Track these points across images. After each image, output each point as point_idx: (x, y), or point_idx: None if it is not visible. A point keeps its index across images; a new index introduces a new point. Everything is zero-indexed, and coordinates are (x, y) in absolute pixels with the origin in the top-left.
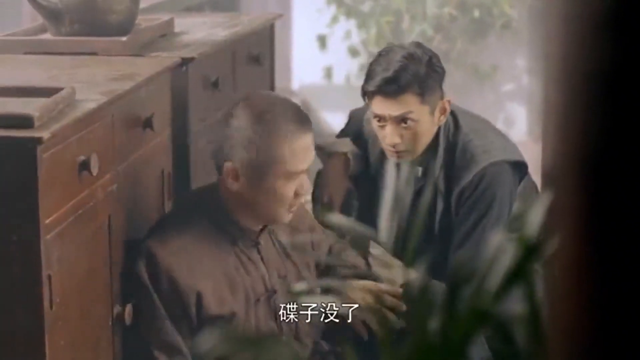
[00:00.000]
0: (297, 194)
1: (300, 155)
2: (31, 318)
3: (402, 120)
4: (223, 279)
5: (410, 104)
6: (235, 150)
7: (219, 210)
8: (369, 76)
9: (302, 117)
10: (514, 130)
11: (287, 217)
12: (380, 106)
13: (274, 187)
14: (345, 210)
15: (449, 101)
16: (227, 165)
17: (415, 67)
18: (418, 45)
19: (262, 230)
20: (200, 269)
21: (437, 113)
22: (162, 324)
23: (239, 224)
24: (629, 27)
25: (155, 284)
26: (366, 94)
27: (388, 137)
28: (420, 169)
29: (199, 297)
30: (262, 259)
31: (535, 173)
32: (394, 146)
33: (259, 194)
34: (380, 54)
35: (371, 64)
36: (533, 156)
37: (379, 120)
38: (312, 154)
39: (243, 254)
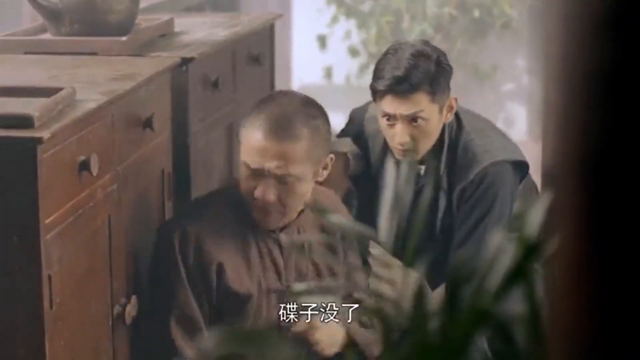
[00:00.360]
0: (256, 197)
1: (253, 152)
2: (31, 318)
3: (412, 119)
4: (242, 260)
5: (421, 103)
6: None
7: (240, 205)
8: (377, 75)
9: (285, 123)
10: (514, 130)
11: (266, 220)
12: (391, 105)
13: (242, 173)
14: None
15: (455, 99)
16: None
17: (426, 65)
18: (426, 42)
19: (282, 228)
20: (224, 246)
21: (444, 111)
22: (186, 297)
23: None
24: (629, 27)
25: (184, 257)
26: (376, 92)
27: (398, 136)
28: (422, 168)
29: (220, 267)
30: (282, 254)
31: (535, 173)
32: (403, 145)
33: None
34: (388, 52)
35: (379, 62)
36: (533, 156)
37: (388, 119)
38: (269, 160)
39: (264, 245)
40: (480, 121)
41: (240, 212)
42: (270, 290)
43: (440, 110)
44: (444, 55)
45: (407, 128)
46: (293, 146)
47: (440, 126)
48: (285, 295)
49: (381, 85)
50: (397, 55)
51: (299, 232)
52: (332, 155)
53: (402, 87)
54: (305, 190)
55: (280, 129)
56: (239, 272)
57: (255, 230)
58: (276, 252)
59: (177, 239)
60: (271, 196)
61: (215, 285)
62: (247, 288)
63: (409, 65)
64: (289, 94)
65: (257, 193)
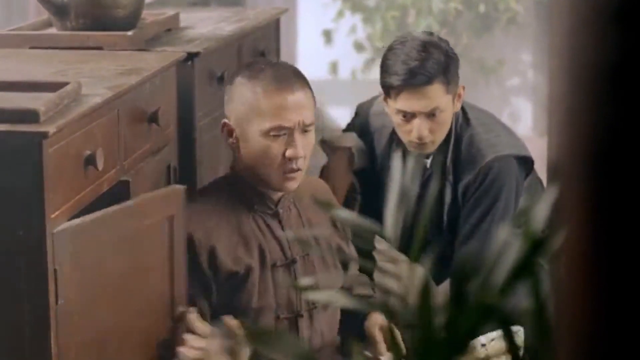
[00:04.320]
0: (286, 156)
1: (282, 111)
2: (37, 313)
3: (431, 113)
4: (238, 239)
5: (438, 96)
6: (229, 106)
7: (236, 176)
8: (389, 71)
9: (288, 77)
10: (519, 125)
11: (286, 184)
12: (408, 103)
13: (259, 143)
14: (348, 204)
15: (463, 87)
16: (222, 122)
17: (437, 54)
18: (430, 34)
19: (280, 199)
20: (217, 230)
21: (455, 100)
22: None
23: (255, 189)
24: (635, 21)
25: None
26: (390, 89)
27: (415, 131)
28: (428, 161)
29: (212, 251)
30: (282, 227)
31: (540, 168)
32: (421, 139)
33: (248, 150)
34: (394, 47)
35: (387, 58)
36: (538, 151)
37: (404, 116)
38: (300, 114)
39: (260, 219)
40: (485, 116)
41: (235, 193)
42: (275, 264)
43: (453, 100)
44: (448, 44)
45: (425, 122)
46: (308, 94)
47: (452, 115)
48: (292, 266)
49: (396, 81)
50: (406, 49)
51: (295, 206)
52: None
53: (418, 79)
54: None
55: (294, 81)
56: (236, 254)
57: (251, 200)
58: (275, 225)
59: None
60: (302, 151)
61: (212, 272)
62: (245, 265)
63: (420, 57)
64: (268, 61)
65: (290, 152)
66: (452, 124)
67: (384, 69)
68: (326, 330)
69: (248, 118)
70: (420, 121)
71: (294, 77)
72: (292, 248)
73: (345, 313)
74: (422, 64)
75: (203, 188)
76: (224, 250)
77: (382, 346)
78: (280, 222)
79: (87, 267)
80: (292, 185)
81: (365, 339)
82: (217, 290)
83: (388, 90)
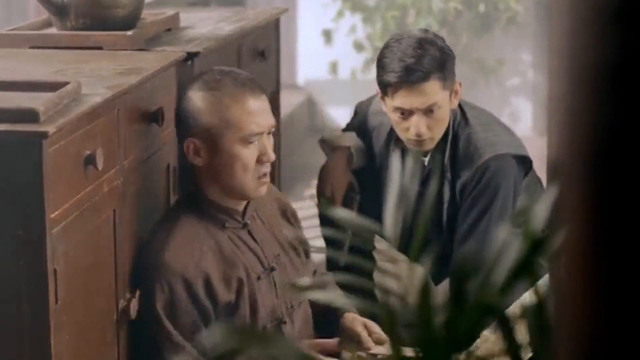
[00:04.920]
0: (260, 161)
1: (254, 117)
2: (37, 312)
3: (429, 109)
4: (223, 261)
5: (435, 92)
6: (191, 123)
7: (200, 197)
8: (385, 68)
9: (252, 83)
10: (519, 125)
11: (259, 189)
12: (406, 100)
13: (233, 153)
14: (346, 203)
15: (460, 83)
16: (186, 142)
17: (433, 51)
18: (426, 31)
19: (245, 209)
20: (204, 259)
21: (452, 97)
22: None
23: (220, 206)
24: (635, 20)
25: (173, 319)
26: (387, 87)
27: (413, 128)
28: (426, 159)
29: (208, 283)
30: (254, 239)
31: (540, 168)
32: (419, 136)
33: (221, 162)
34: (390, 45)
35: (383, 56)
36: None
37: (402, 113)
38: (268, 117)
39: (235, 236)
40: (484, 115)
41: (199, 204)
42: (260, 277)
43: (450, 96)
44: (444, 40)
45: (423, 119)
46: (265, 97)
47: (449, 112)
48: (270, 277)
49: (392, 78)
50: (402, 46)
51: (256, 214)
52: None
53: (414, 76)
54: None
55: (254, 86)
56: (225, 275)
57: (221, 219)
58: (247, 238)
59: (161, 306)
60: (273, 154)
61: (210, 302)
62: (235, 287)
63: (416, 53)
64: (218, 70)
65: (265, 157)
66: (450, 121)
67: (381, 67)
68: (303, 327)
69: (219, 130)
70: (418, 118)
71: (252, 82)
72: (267, 256)
73: (318, 312)
74: (418, 60)
75: (169, 215)
76: (216, 278)
77: (369, 340)
78: (250, 233)
79: (86, 266)
80: (264, 189)
81: (341, 335)
82: (216, 319)
83: (385, 88)
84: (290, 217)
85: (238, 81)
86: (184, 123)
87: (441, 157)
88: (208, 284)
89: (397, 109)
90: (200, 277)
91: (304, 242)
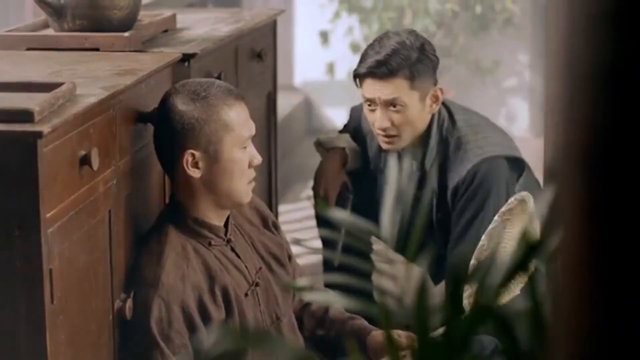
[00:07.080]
0: (251, 165)
1: (246, 121)
2: (32, 312)
3: (391, 103)
4: (213, 281)
5: (399, 88)
6: (188, 135)
7: (183, 216)
8: (361, 60)
9: (234, 89)
10: (515, 126)
11: (249, 194)
12: (370, 89)
13: (232, 157)
14: (340, 203)
15: (441, 89)
16: (185, 154)
17: (407, 52)
18: (412, 32)
19: (226, 225)
20: (197, 278)
21: (428, 100)
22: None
23: (205, 223)
24: (631, 22)
25: (168, 344)
26: (356, 77)
27: (377, 121)
28: (415, 163)
29: (203, 306)
30: (237, 255)
31: (537, 169)
32: (384, 130)
33: (220, 169)
34: (374, 41)
35: (365, 50)
36: (535, 152)
37: (369, 105)
38: (252, 124)
39: (221, 254)
40: (476, 117)
41: (183, 223)
42: (247, 294)
43: (422, 99)
44: (431, 45)
45: (387, 113)
46: None
47: (426, 116)
48: (254, 292)
49: (362, 69)
50: (382, 43)
51: (236, 227)
52: None
53: (380, 70)
54: None
55: (238, 92)
56: (214, 294)
57: (206, 237)
58: (230, 254)
59: (155, 322)
60: (260, 158)
61: (203, 321)
62: (224, 304)
63: (390, 50)
64: (195, 81)
65: (257, 160)
66: (434, 125)
67: (360, 58)
68: (291, 337)
69: (219, 136)
70: (382, 111)
71: (233, 89)
72: (250, 272)
73: (342, 334)
74: (388, 57)
75: (161, 230)
76: (207, 298)
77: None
78: (233, 249)
79: (82, 266)
80: (251, 194)
81: (370, 354)
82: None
83: (355, 78)
84: (271, 226)
85: (222, 88)
86: (176, 138)
87: (422, 161)
88: (201, 304)
89: (366, 100)
90: (194, 297)
91: (286, 249)
